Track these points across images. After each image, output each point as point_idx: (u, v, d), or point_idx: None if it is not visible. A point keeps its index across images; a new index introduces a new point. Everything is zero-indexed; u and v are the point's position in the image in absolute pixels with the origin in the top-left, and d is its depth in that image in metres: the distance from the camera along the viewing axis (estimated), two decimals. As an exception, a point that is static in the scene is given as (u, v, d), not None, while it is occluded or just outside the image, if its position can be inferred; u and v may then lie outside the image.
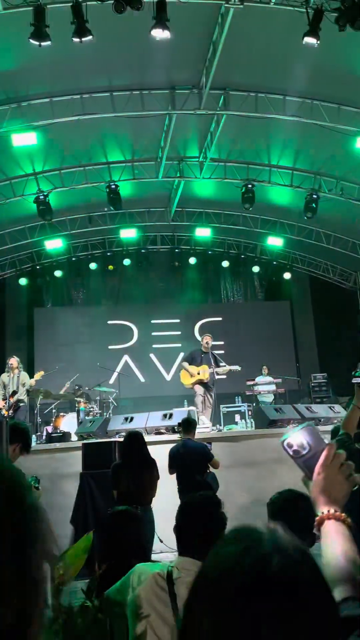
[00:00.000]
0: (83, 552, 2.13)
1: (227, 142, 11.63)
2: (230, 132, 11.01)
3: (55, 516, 6.46)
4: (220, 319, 16.39)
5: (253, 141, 11.67)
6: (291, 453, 1.19)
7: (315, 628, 0.62)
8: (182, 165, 12.41)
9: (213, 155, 11.74)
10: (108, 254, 16.13)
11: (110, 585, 2.36)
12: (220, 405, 10.34)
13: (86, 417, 10.27)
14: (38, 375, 10.01)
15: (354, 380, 3.45)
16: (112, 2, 6.95)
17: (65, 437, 8.90)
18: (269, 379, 12.16)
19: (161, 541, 5.51)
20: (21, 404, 9.43)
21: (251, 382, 11.77)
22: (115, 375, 13.78)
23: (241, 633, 0.60)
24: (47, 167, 11.88)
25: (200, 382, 9.90)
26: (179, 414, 8.51)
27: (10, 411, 8.90)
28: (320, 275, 16.85)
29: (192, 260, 16.42)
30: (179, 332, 16.03)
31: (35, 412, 10.68)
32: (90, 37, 7.33)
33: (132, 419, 8.85)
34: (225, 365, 9.92)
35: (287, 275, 17.01)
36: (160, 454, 5.98)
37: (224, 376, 10.26)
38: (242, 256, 16.85)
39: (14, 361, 9.63)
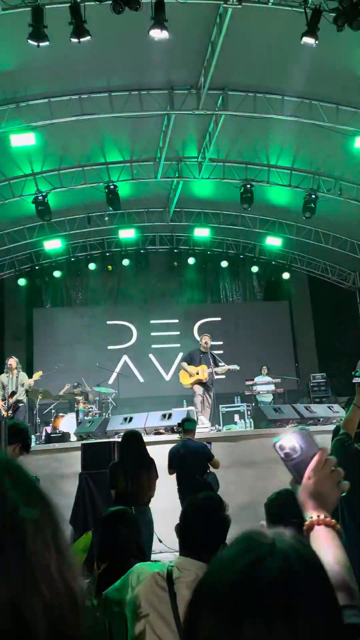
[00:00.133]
0: (82, 551, 2.14)
1: (226, 142, 11.64)
2: (228, 132, 11.01)
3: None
4: (219, 319, 16.40)
5: (252, 141, 11.67)
6: (282, 455, 1.20)
7: (308, 635, 0.62)
8: (180, 166, 12.41)
9: (212, 155, 11.73)
10: (107, 254, 16.12)
11: (109, 584, 2.36)
12: (220, 405, 10.35)
13: (85, 418, 10.28)
14: (37, 375, 10.02)
15: (355, 380, 3.45)
16: (110, 2, 6.95)
17: (64, 437, 8.90)
18: (268, 378, 12.17)
19: (160, 541, 5.51)
20: (20, 405, 9.43)
21: (250, 382, 11.77)
22: (114, 375, 13.78)
23: (227, 631, 0.61)
24: (45, 167, 11.87)
25: (200, 382, 9.90)
26: (178, 414, 8.52)
27: (10, 411, 8.91)
28: (319, 275, 16.86)
29: (191, 261, 16.42)
30: (178, 332, 16.04)
31: (35, 412, 10.68)
32: (88, 38, 7.33)
33: (131, 419, 8.86)
34: (224, 365, 9.93)
35: (286, 275, 17.02)
36: (159, 454, 5.99)
37: (223, 376, 10.27)
38: (241, 256, 16.86)
39: (12, 361, 9.62)
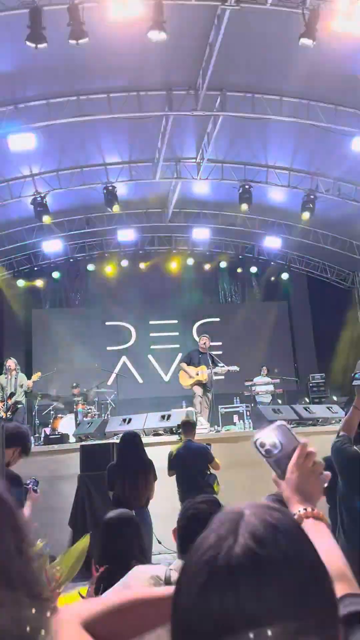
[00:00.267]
0: (81, 553, 2.13)
1: (224, 143, 11.64)
2: (227, 133, 11.01)
3: (53, 518, 6.46)
4: (218, 319, 16.41)
5: (250, 142, 11.67)
6: (263, 453, 1.19)
7: (275, 600, 0.64)
8: (179, 167, 12.42)
9: (210, 156, 11.73)
10: (106, 255, 16.13)
11: (109, 587, 2.36)
12: (219, 406, 10.34)
13: (84, 419, 10.28)
14: (35, 376, 10.02)
15: (355, 383, 3.45)
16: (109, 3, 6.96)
17: (63, 438, 8.89)
18: (267, 379, 12.18)
19: (159, 542, 5.50)
20: (19, 406, 9.43)
21: (249, 383, 11.78)
22: (113, 376, 13.78)
23: (195, 603, 0.65)
24: (44, 168, 11.88)
25: (199, 383, 9.90)
26: (177, 415, 8.51)
27: (9, 413, 8.91)
28: (318, 275, 16.87)
29: (190, 261, 16.43)
30: (177, 333, 16.05)
31: (34, 413, 10.68)
32: (86, 39, 7.33)
33: (130, 420, 8.85)
34: (223, 366, 9.93)
35: (284, 276, 17.03)
36: (158, 455, 5.98)
37: (222, 377, 10.26)
38: (240, 257, 16.87)
39: (11, 363, 9.63)
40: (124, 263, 16.11)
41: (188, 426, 6.66)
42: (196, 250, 16.49)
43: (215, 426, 9.85)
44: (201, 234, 15.09)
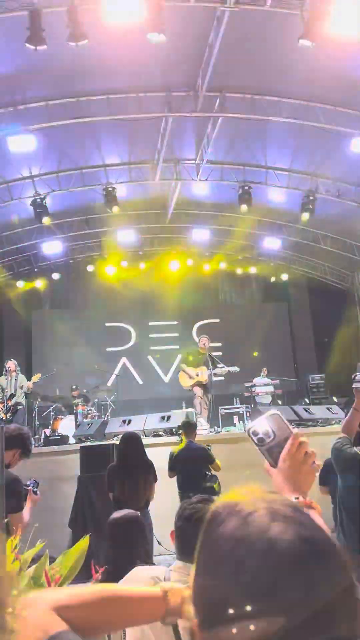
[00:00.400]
0: (81, 554, 2.14)
1: (224, 144, 11.65)
2: (226, 134, 11.02)
3: (53, 519, 6.46)
4: (217, 320, 16.41)
5: (249, 143, 11.68)
6: (256, 441, 1.20)
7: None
8: (178, 168, 12.42)
9: (210, 157, 11.75)
10: (105, 256, 16.13)
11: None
12: (219, 407, 10.35)
13: (84, 420, 10.28)
14: (35, 377, 10.01)
15: (355, 385, 3.46)
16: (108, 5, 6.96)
17: (63, 439, 8.90)
18: (267, 380, 12.18)
19: (160, 544, 5.50)
20: (19, 407, 9.43)
21: (249, 384, 11.78)
22: (113, 377, 13.78)
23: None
24: (44, 170, 11.89)
25: (199, 384, 9.91)
26: (177, 416, 8.51)
27: (9, 414, 8.92)
28: (318, 276, 16.88)
29: (190, 262, 16.43)
30: (177, 334, 16.05)
31: (34, 414, 10.68)
32: (86, 41, 7.34)
33: (130, 421, 8.85)
34: (223, 367, 9.94)
35: (284, 277, 17.03)
36: (158, 456, 5.98)
37: (222, 377, 10.27)
38: (240, 258, 16.87)
39: (11, 364, 9.63)
40: (124, 264, 16.12)
41: (189, 427, 6.65)
42: (196, 251, 16.50)
43: (215, 427, 9.86)
44: (201, 235, 15.09)
